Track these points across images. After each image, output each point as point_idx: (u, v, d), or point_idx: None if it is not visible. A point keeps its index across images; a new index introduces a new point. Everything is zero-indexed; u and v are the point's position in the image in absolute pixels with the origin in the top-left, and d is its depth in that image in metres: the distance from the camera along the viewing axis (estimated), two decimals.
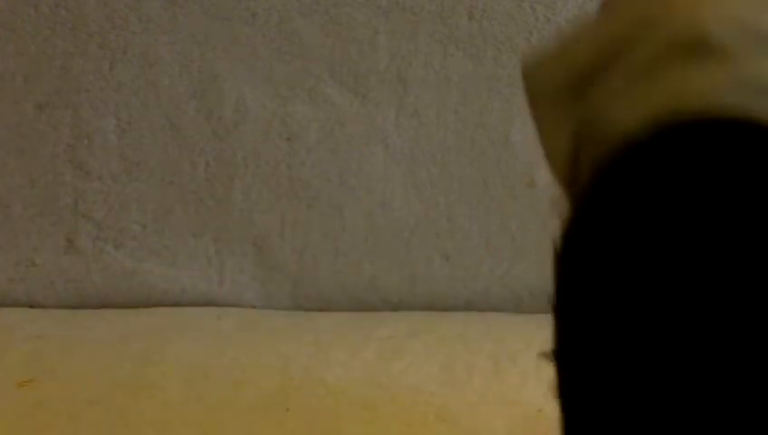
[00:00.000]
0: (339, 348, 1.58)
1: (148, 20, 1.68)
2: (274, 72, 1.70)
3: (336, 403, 1.39)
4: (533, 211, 1.74)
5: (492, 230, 1.76)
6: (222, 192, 1.74)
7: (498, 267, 1.77)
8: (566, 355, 0.54)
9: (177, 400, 1.40)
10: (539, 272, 1.76)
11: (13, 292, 1.76)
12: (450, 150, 1.73)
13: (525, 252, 1.76)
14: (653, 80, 0.49)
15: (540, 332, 1.87)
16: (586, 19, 0.58)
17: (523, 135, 1.71)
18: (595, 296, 0.50)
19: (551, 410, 1.47)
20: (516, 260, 1.76)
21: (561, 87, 0.53)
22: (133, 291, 1.77)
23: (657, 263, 0.48)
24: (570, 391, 0.54)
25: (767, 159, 0.46)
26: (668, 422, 0.47)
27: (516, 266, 1.76)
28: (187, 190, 1.74)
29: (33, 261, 1.76)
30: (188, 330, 1.65)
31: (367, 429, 1.33)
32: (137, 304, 1.77)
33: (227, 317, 1.71)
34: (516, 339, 1.61)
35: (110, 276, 1.76)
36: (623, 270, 0.48)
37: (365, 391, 1.43)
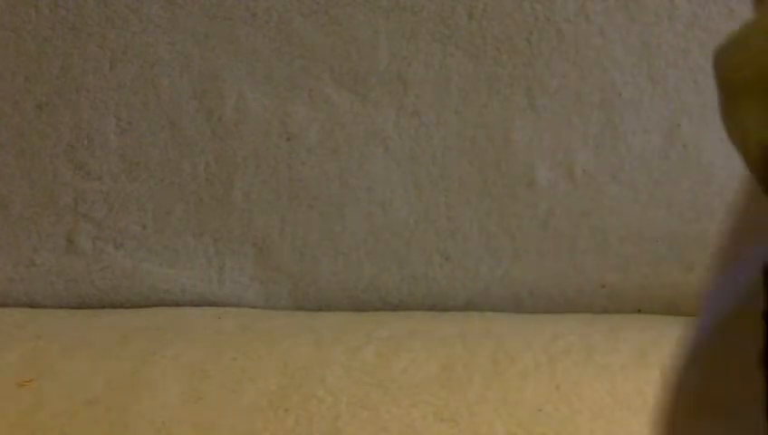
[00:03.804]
0: (339, 348, 1.58)
1: (148, 20, 1.68)
2: (274, 72, 1.70)
3: (336, 403, 1.39)
4: (533, 211, 1.74)
5: (492, 230, 1.76)
6: (222, 192, 1.74)
7: (498, 267, 1.77)
8: None
9: (177, 400, 1.40)
10: (539, 272, 1.76)
11: (13, 292, 1.76)
12: (450, 150, 1.73)
13: (525, 252, 1.76)
14: None
15: (540, 332, 1.88)
16: None
17: (523, 135, 1.71)
18: None
19: (551, 410, 1.47)
20: (516, 260, 1.76)
21: None
22: (133, 291, 1.77)
23: None
24: None
25: None
26: None
27: (516, 266, 1.77)
28: (187, 190, 1.74)
29: (33, 261, 1.76)
30: (188, 330, 1.65)
31: (367, 429, 1.33)
32: (137, 304, 1.77)
33: (227, 317, 1.71)
34: (516, 339, 1.61)
35: (110, 276, 1.77)
36: None
37: (365, 390, 1.43)
